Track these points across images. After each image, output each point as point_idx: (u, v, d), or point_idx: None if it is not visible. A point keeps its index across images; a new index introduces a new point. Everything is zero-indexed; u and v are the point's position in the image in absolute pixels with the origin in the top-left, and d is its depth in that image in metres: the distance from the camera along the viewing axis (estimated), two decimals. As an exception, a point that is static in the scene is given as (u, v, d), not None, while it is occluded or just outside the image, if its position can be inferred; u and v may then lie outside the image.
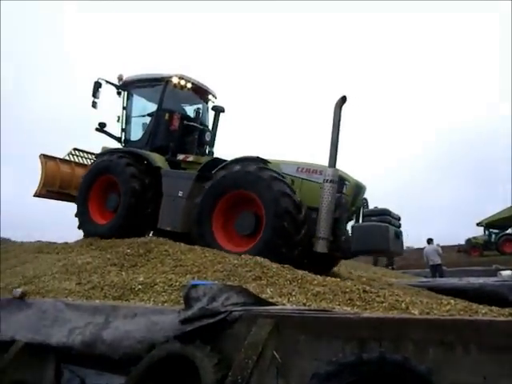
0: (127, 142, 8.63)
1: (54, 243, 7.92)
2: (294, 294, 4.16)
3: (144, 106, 8.64)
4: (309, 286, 4.40)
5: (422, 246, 17.70)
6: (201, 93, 8.78)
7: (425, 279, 11.42)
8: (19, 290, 4.83)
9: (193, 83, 8.39)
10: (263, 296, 3.84)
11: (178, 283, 4.61)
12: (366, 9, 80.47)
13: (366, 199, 7.06)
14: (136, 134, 8.54)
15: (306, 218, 6.05)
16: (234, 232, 6.50)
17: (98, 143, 8.82)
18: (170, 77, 8.09)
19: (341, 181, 6.28)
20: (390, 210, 6.44)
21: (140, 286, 4.68)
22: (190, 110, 8.75)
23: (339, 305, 3.82)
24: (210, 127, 8.72)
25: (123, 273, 5.35)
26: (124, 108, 8.68)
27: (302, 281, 4.57)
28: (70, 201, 8.70)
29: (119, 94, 8.72)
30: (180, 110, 8.51)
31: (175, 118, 7.99)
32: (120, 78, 8.65)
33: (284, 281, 4.55)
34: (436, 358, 2.56)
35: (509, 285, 7.44)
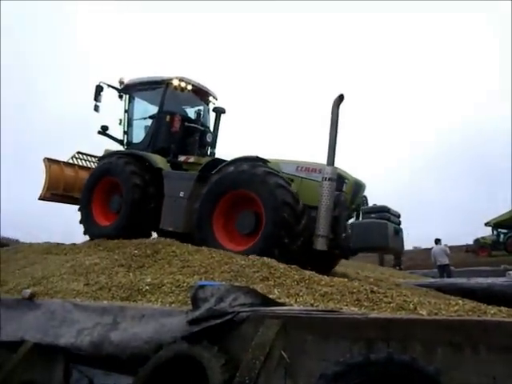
0: (129, 144, 8.69)
1: (63, 244, 7.98)
2: (301, 294, 4.15)
3: (145, 109, 8.70)
4: (316, 287, 4.38)
5: (429, 247, 17.60)
6: (201, 94, 8.82)
7: (433, 279, 11.34)
8: (28, 291, 4.89)
9: (193, 85, 8.42)
10: (271, 297, 3.84)
11: (185, 284, 4.61)
12: (366, 9, 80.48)
13: (365, 197, 7.06)
14: (138, 136, 8.59)
15: (304, 210, 6.07)
16: (236, 232, 6.52)
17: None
18: (171, 79, 8.13)
19: (340, 179, 6.28)
20: (389, 207, 6.43)
21: (147, 287, 4.69)
22: (190, 112, 8.80)
23: (347, 305, 3.81)
24: (212, 128, 8.75)
25: (131, 274, 5.36)
26: (126, 111, 8.75)
27: (310, 281, 4.56)
28: (74, 203, 8.78)
29: (121, 97, 8.79)
30: (181, 111, 8.54)
31: (176, 120, 8.02)
32: (121, 82, 8.70)
33: (291, 281, 4.55)
34: (444, 358, 2.55)
35: (517, 285, 7.36)
